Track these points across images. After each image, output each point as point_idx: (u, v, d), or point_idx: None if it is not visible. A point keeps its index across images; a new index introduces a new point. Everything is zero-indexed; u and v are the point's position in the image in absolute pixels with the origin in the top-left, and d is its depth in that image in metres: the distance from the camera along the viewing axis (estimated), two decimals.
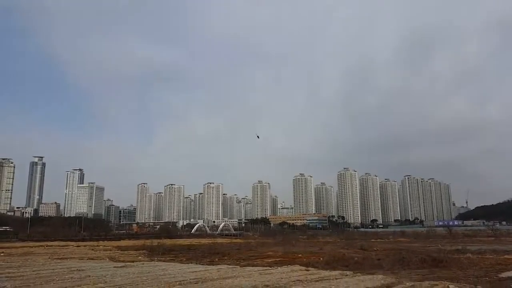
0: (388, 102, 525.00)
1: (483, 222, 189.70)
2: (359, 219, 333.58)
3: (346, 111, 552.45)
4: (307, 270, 21.44)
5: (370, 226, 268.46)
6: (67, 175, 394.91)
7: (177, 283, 15.61)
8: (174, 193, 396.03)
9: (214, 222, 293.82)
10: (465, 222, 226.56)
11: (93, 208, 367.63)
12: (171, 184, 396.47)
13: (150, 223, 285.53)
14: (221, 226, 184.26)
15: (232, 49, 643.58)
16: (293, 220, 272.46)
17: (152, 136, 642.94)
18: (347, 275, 19.34)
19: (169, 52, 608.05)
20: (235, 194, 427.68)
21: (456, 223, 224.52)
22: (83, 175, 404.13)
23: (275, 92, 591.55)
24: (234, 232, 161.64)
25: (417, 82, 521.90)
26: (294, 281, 16.25)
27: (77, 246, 59.11)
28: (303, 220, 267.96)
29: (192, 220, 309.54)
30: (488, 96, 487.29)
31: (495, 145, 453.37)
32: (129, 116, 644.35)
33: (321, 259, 33.92)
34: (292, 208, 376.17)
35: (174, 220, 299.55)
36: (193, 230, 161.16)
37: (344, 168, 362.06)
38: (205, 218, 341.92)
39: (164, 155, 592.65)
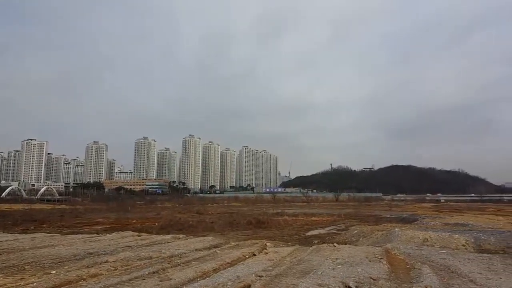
0: (240, 74, 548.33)
1: (300, 190, 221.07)
2: (199, 185, 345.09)
3: (201, 78, 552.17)
4: (139, 236, 21.06)
5: (209, 192, 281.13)
6: None
7: None
8: None
9: (33, 185, 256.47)
10: (287, 189, 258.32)
11: None
12: None
13: None
14: (42, 190, 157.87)
15: None
16: (131, 185, 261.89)
17: None
18: (179, 238, 19.81)
19: None
20: (63, 155, 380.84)
21: (279, 190, 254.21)
22: None
23: (130, 43, 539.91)
24: (59, 197, 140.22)
25: (266, 58, 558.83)
26: (122, 247, 15.68)
27: None
28: (143, 185, 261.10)
29: (3, 182, 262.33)
30: (322, 80, 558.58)
31: (316, 124, 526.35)
32: None
33: (156, 224, 33.88)
34: (132, 172, 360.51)
35: None
36: (3, 194, 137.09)
37: (190, 135, 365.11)
38: (22, 180, 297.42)
39: None
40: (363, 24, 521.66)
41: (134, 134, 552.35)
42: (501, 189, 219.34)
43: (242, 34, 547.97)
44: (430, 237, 17.55)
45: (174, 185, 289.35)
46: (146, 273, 10.19)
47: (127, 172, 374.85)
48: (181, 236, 21.31)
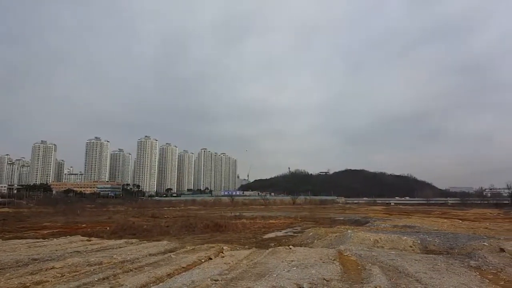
0: (200, 75, 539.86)
1: (258, 193, 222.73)
2: (155, 188, 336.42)
3: (158, 77, 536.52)
4: (89, 240, 20.15)
5: (165, 195, 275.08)
6: None
7: None
8: None
9: None
10: (245, 192, 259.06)
11: None
12: None
13: None
14: None
15: None
16: (81, 187, 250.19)
17: None
18: (132, 243, 19.20)
19: None
20: (7, 154, 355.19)
21: (238, 193, 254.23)
22: None
23: (84, 38, 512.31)
24: (1, 200, 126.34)
25: (227, 61, 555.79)
26: (70, 252, 14.92)
27: None
28: (94, 188, 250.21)
29: None
30: (282, 86, 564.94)
31: (276, 128, 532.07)
32: None
33: (108, 228, 32.60)
34: (82, 174, 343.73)
35: None
36: None
37: (146, 136, 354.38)
38: None
39: None
40: (323, 34, 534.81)
41: (85, 135, 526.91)
42: (446, 193, 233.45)
43: (203, 35, 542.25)
44: (380, 238, 18.29)
45: (128, 188, 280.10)
46: (96, 279, 9.77)
47: (77, 174, 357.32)
48: (134, 240, 20.67)
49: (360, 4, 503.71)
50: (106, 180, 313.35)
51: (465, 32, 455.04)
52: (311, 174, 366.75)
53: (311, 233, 24.28)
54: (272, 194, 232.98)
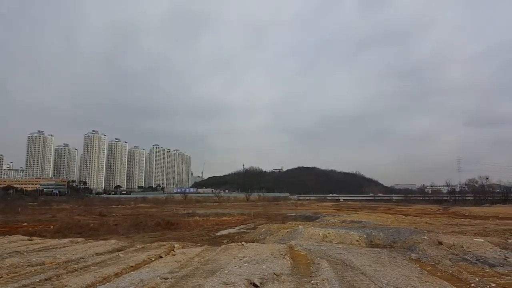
0: (152, 69, 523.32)
1: (212, 190, 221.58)
2: (103, 185, 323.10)
3: (108, 70, 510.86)
4: (31, 240, 18.97)
5: (114, 192, 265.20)
6: None
7: None
8: None
9: None
10: (199, 190, 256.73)
11: None
12: None
13: None
14: None
15: None
16: (22, 184, 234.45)
17: None
18: (78, 242, 18.33)
19: None
20: None
21: (191, 190, 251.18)
22: None
23: (22, 27, 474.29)
24: None
25: (181, 56, 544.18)
26: (9, 253, 13.95)
27: None
28: (36, 184, 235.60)
29: None
30: (236, 83, 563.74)
31: (230, 125, 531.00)
32: None
33: (51, 227, 30.87)
34: (23, 170, 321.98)
35: None
36: None
37: (93, 131, 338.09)
38: None
39: None
40: (276, 32, 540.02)
41: (27, 129, 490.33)
42: (391, 190, 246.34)
43: (154, 28, 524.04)
44: (329, 233, 18.95)
45: (74, 185, 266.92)
46: (37, 280, 9.24)
47: (17, 170, 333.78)
48: (80, 240, 19.75)
49: (313, 4, 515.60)
50: (50, 176, 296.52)
51: (411, 37, 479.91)
52: (265, 171, 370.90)
53: (263, 229, 24.59)
54: (226, 191, 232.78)
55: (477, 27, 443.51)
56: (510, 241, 15.65)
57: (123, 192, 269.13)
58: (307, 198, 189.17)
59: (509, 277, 10.02)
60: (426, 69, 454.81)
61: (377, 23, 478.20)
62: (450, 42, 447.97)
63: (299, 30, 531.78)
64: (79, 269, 10.89)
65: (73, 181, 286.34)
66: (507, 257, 12.53)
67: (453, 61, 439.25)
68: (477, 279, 9.69)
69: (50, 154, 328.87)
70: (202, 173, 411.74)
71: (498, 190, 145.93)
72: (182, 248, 16.21)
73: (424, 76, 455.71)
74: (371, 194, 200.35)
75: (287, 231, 21.32)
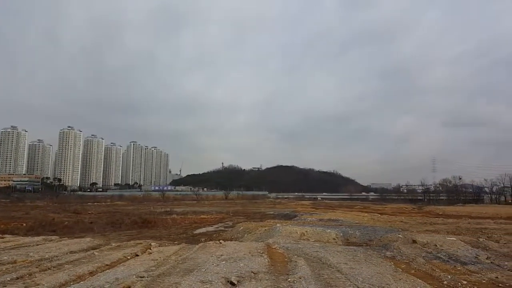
0: (133, 66, 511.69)
1: (191, 188, 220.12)
2: (78, 182, 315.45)
3: (87, 65, 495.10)
4: (2, 238, 18.37)
5: (89, 190, 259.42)
6: None
7: None
8: None
9: None
10: (177, 188, 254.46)
11: None
12: None
13: None
14: None
15: None
16: None
17: None
18: (52, 240, 17.87)
19: None
20: None
21: (169, 188, 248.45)
22: None
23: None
24: None
25: (163, 53, 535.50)
26: None
27: None
28: (9, 181, 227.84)
29: None
30: (218, 81, 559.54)
31: (210, 123, 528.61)
32: None
33: (24, 225, 30.00)
34: None
35: None
36: None
37: (69, 127, 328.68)
38: None
39: None
40: (260, 32, 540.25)
41: (0, 124, 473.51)
42: (367, 189, 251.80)
43: (138, 23, 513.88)
44: (306, 231, 19.18)
45: (48, 181, 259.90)
46: (8, 279, 8.98)
47: None
48: (53, 238, 19.28)
49: (297, 4, 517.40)
50: (24, 173, 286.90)
51: (393, 38, 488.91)
52: (244, 169, 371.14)
53: (241, 228, 24.64)
54: (205, 189, 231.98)
55: (458, 29, 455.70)
56: (481, 239, 16.29)
57: (99, 190, 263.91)
58: (285, 196, 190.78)
59: (480, 275, 10.37)
60: (407, 69, 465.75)
61: (360, 23, 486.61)
62: (432, 43, 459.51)
63: (283, 30, 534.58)
64: (52, 268, 10.64)
65: (48, 178, 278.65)
66: (478, 255, 13.01)
67: (434, 62, 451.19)
68: (449, 276, 10.01)
69: (24, 150, 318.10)
70: (180, 171, 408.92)
71: (470, 190, 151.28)
72: (159, 246, 16.06)
73: (405, 76, 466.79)
74: (348, 193, 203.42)
75: (265, 229, 21.44)
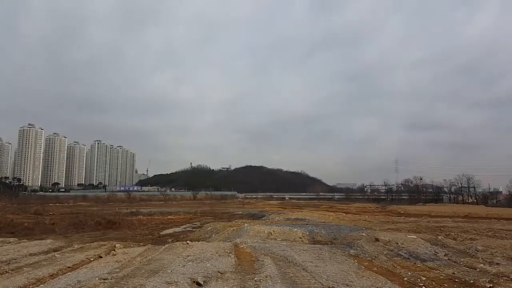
0: (97, 61, 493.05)
1: (158, 188, 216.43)
2: (39, 182, 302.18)
3: (47, 59, 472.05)
4: None
5: (51, 190, 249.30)
6: None
7: None
8: None
9: None
10: (144, 188, 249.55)
11: None
12: None
13: None
14: None
15: None
16: None
17: None
18: (10, 243, 17.07)
19: None
20: None
21: (136, 188, 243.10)
22: None
23: None
24: None
25: (129, 49, 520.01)
26: None
27: None
28: None
29: None
30: (186, 80, 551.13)
31: (178, 123, 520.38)
32: None
33: None
34: None
35: None
36: None
37: (29, 124, 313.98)
38: None
39: None
40: (229, 32, 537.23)
41: None
42: (333, 189, 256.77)
43: (101, 17, 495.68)
44: (274, 231, 19.39)
45: (7, 181, 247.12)
46: None
47: None
48: (12, 240, 18.43)
49: (267, 5, 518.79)
50: None
51: (358, 42, 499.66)
52: (213, 169, 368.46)
53: (209, 228, 24.55)
54: (173, 189, 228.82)
55: (420, 35, 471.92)
56: (440, 237, 17.12)
57: (61, 190, 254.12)
58: (254, 196, 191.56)
59: (438, 271, 10.89)
60: (371, 73, 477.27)
61: (327, 26, 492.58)
62: (394, 48, 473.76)
63: (252, 30, 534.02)
64: (10, 271, 10.22)
65: (6, 178, 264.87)
66: (437, 252, 13.68)
67: (396, 67, 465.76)
68: (409, 273, 10.45)
69: None
70: (147, 170, 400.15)
71: (430, 190, 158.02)
72: (124, 248, 15.73)
73: (368, 80, 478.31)
74: (315, 193, 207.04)
75: (233, 229, 21.49)
